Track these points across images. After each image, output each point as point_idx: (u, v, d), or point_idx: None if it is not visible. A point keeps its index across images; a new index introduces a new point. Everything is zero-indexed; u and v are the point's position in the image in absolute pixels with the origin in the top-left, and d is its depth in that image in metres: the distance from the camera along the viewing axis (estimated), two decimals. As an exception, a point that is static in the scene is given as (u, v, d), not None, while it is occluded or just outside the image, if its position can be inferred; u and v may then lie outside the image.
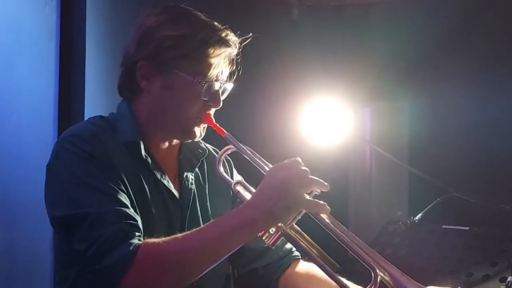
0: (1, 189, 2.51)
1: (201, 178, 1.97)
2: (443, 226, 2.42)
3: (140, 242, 1.64)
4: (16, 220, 2.56)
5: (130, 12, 2.91)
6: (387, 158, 2.75)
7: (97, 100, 2.74)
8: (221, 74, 1.84)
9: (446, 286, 1.81)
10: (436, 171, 2.69)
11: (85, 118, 2.67)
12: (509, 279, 2.03)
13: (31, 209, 2.61)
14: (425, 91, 3.11)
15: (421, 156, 3.02)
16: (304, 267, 1.99)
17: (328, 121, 2.73)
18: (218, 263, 1.68)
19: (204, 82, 1.80)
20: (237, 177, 2.00)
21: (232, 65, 1.87)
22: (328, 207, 1.67)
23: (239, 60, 1.88)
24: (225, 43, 1.82)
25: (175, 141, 1.92)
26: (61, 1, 2.71)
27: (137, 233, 1.66)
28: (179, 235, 1.66)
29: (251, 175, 1.87)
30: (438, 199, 2.52)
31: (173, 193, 1.87)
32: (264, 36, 1.89)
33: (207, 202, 1.94)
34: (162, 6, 1.88)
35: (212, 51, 1.80)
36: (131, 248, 1.62)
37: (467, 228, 2.36)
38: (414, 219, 2.50)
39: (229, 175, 1.97)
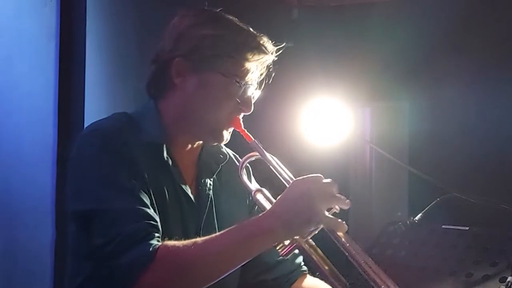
0: (1, 189, 2.51)
1: (218, 184, 1.95)
2: (443, 226, 2.42)
3: (159, 243, 1.64)
4: (16, 220, 2.56)
5: (130, 12, 2.92)
6: (387, 158, 2.75)
7: (97, 100, 2.74)
8: (254, 80, 1.84)
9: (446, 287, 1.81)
10: (436, 171, 2.68)
11: (85, 118, 2.68)
12: (509, 279, 2.02)
13: (31, 208, 2.61)
14: (425, 91, 3.10)
15: (421, 156, 3.02)
16: (311, 282, 2.00)
17: (328, 121, 2.73)
18: (234, 270, 1.68)
19: (241, 83, 1.80)
20: (256, 185, 1.96)
21: (264, 74, 1.87)
22: (346, 225, 1.67)
23: (271, 70, 1.88)
24: (263, 49, 1.82)
25: (197, 144, 1.91)
26: (61, 1, 2.71)
27: (156, 234, 1.66)
28: (198, 239, 1.65)
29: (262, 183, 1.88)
30: (438, 199, 2.52)
31: (190, 197, 1.86)
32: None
33: (222, 209, 1.93)
34: (198, 9, 1.89)
35: (251, 55, 1.80)
36: (150, 249, 1.61)
37: (467, 228, 2.36)
38: (414, 219, 2.50)
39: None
